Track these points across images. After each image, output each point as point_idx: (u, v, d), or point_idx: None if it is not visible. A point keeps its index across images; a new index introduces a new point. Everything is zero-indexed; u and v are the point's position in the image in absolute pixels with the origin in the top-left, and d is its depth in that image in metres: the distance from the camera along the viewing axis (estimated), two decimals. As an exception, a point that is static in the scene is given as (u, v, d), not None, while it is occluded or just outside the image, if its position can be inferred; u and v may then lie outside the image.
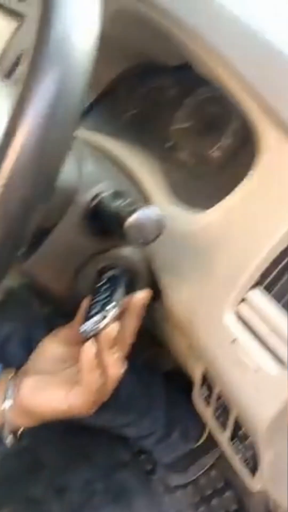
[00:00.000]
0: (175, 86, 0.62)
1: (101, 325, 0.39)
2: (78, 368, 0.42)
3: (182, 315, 0.43)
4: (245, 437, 0.41)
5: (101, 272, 0.46)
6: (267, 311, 0.35)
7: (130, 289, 0.46)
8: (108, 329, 0.40)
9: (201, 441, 0.82)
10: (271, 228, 0.36)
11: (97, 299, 0.43)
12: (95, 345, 0.40)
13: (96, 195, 0.41)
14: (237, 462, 0.43)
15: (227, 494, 0.82)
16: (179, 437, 0.79)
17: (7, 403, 0.45)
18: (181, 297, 0.42)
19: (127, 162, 0.51)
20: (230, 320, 0.37)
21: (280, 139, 0.37)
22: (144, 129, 0.60)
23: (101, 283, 0.44)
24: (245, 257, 0.37)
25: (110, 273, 0.45)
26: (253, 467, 0.40)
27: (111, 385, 0.43)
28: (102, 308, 0.41)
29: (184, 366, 0.54)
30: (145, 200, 0.47)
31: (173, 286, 0.43)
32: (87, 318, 0.41)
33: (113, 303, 0.40)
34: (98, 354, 0.41)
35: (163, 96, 0.63)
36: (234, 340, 0.36)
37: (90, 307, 0.43)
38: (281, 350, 0.33)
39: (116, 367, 0.42)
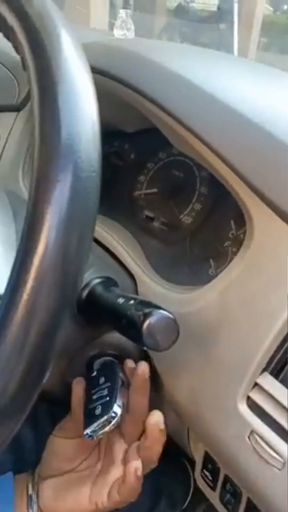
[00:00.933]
0: (133, 151, 0.61)
1: (107, 429, 0.36)
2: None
3: (184, 403, 0.40)
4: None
5: (93, 360, 0.43)
6: (281, 397, 0.34)
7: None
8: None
9: (186, 503, 0.79)
10: (271, 309, 0.35)
11: (95, 392, 0.40)
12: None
13: (87, 284, 0.39)
14: None
15: None
16: (166, 505, 0.75)
17: None
18: (182, 385, 0.40)
19: (105, 239, 0.48)
20: (244, 410, 0.35)
21: (271, 217, 0.37)
22: (109, 198, 0.59)
23: (95, 373, 0.42)
24: (248, 342, 0.36)
25: (101, 361, 0.43)
26: None
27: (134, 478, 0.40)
28: (104, 406, 0.38)
29: (178, 442, 0.52)
30: (130, 279, 0.45)
31: (172, 374, 0.41)
32: (89, 415, 0.38)
33: (117, 403, 0.37)
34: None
35: (122, 161, 0.62)
36: (251, 433, 0.35)
37: (89, 401, 0.40)
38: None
39: (133, 459, 0.40)
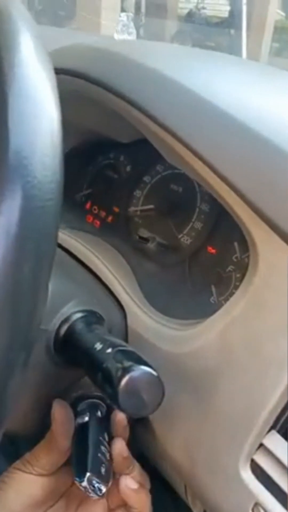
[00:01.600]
0: (129, 163, 0.56)
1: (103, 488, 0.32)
2: None
3: (179, 460, 0.35)
4: None
5: (77, 402, 0.37)
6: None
7: (109, 418, 0.38)
8: None
9: None
10: (280, 354, 0.30)
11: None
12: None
13: (66, 319, 0.34)
14: None
15: None
16: None
17: None
18: (176, 439, 0.35)
19: (92, 263, 0.43)
20: (247, 477, 0.29)
21: (277, 245, 0.31)
22: (101, 215, 0.54)
23: (80, 419, 0.36)
24: (253, 393, 0.30)
25: (83, 406, 0.38)
26: None
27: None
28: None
29: (176, 490, 0.46)
30: (119, 310, 0.40)
31: (165, 423, 0.36)
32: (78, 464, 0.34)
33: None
34: None
35: (117, 173, 0.56)
36: (255, 505, 0.29)
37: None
38: None
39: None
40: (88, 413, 0.37)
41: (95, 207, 0.57)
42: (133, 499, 0.35)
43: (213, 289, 0.43)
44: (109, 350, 0.28)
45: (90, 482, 0.31)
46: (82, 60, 0.41)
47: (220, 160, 0.33)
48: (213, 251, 0.45)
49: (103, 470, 0.32)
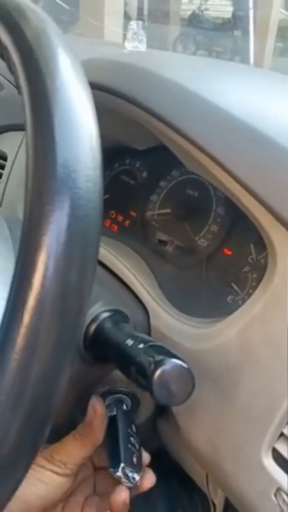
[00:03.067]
0: (145, 169, 0.58)
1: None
2: None
3: (202, 450, 0.37)
4: None
5: (103, 397, 0.40)
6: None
7: (134, 411, 0.41)
8: None
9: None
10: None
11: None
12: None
13: (95, 318, 0.36)
14: None
15: None
16: None
17: None
18: (200, 430, 0.37)
19: (115, 266, 0.45)
20: (269, 464, 0.31)
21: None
22: (120, 219, 0.56)
23: (108, 413, 0.38)
24: (273, 386, 0.32)
25: (109, 400, 0.40)
26: None
27: None
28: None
29: (197, 482, 0.48)
30: (142, 310, 0.42)
31: (189, 417, 0.38)
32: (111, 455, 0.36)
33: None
34: None
35: (134, 179, 0.59)
36: (277, 490, 0.31)
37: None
38: None
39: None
40: (115, 407, 0.39)
41: (113, 212, 0.59)
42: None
43: (230, 289, 0.45)
44: (141, 346, 0.30)
45: (124, 472, 0.34)
46: (104, 74, 0.43)
47: (239, 167, 0.35)
48: (229, 252, 0.47)
49: (134, 459, 0.34)
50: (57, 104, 0.24)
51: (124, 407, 0.39)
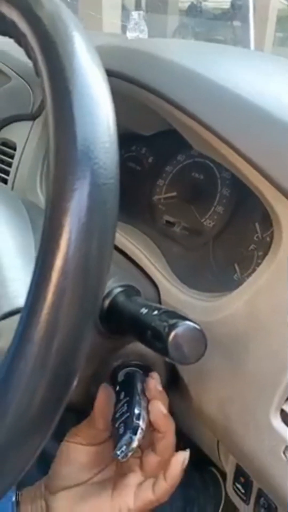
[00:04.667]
0: (151, 155, 0.60)
1: (134, 445, 0.35)
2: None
3: (213, 416, 0.39)
4: None
5: (117, 370, 0.42)
6: None
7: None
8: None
9: (219, 513, 0.77)
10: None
11: (117, 410, 0.38)
12: None
13: (109, 293, 0.38)
14: None
15: None
16: (197, 517, 0.74)
17: None
18: (211, 397, 0.39)
19: (125, 247, 0.47)
20: (277, 424, 0.33)
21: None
22: (127, 204, 0.58)
23: (117, 387, 0.40)
24: (279, 352, 0.34)
25: (125, 371, 0.42)
26: None
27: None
28: (126, 423, 0.37)
29: (208, 453, 0.50)
30: (153, 286, 0.44)
31: (200, 384, 0.40)
32: (115, 434, 0.37)
33: (135, 418, 0.36)
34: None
35: (140, 165, 0.60)
36: (286, 448, 0.33)
37: (113, 419, 0.39)
38: None
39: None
40: (121, 384, 0.41)
41: (121, 198, 0.61)
42: (161, 421, 0.39)
43: (236, 267, 0.47)
44: (155, 312, 0.32)
45: (122, 452, 0.35)
46: (113, 59, 0.44)
47: (245, 143, 0.37)
48: (235, 232, 0.49)
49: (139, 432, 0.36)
50: (75, 83, 0.25)
51: (138, 386, 0.40)
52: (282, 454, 0.33)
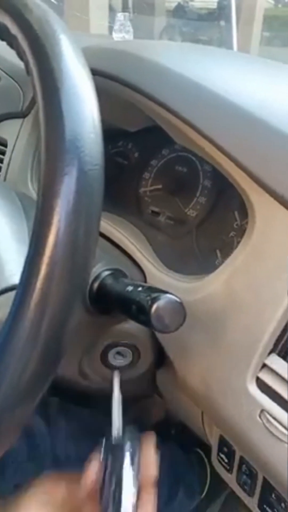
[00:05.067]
0: (137, 150, 0.63)
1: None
2: None
3: (196, 387, 0.42)
4: (278, 503, 0.40)
5: (107, 349, 0.44)
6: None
7: (135, 361, 0.46)
8: None
9: (204, 492, 0.81)
10: (275, 293, 0.37)
11: (106, 479, 0.37)
12: None
13: (97, 276, 0.41)
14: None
15: None
16: (184, 496, 0.77)
17: None
18: (193, 370, 0.42)
19: (113, 235, 0.50)
20: (253, 391, 0.36)
21: (272, 205, 0.38)
22: (115, 197, 0.61)
23: (106, 455, 0.39)
24: (254, 325, 0.37)
25: (116, 350, 0.44)
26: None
27: None
28: (115, 501, 0.35)
29: (193, 428, 0.53)
30: (139, 271, 0.47)
31: (183, 359, 0.43)
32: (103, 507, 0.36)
33: (126, 497, 0.35)
34: None
35: (127, 160, 0.63)
36: (262, 412, 0.36)
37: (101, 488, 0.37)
38: None
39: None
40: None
41: (108, 191, 0.64)
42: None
43: (218, 252, 0.50)
44: (140, 289, 0.35)
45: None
46: (99, 60, 0.47)
47: (223, 139, 0.40)
48: (216, 220, 0.52)
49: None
50: (63, 82, 0.28)
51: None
52: (258, 418, 0.36)
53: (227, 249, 0.49)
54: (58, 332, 0.28)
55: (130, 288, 0.36)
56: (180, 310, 0.33)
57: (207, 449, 0.51)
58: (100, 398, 0.46)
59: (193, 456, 0.79)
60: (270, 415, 0.35)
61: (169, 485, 0.76)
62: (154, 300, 0.32)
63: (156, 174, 0.59)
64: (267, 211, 0.38)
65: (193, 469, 0.78)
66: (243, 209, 0.49)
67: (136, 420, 0.81)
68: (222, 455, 0.46)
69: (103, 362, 0.45)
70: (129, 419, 0.82)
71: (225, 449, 0.45)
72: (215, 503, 0.82)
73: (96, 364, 0.44)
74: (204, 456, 0.78)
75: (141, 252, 0.49)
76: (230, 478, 0.46)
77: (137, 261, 0.48)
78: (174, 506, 0.77)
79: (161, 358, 0.47)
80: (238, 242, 0.49)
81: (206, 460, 0.78)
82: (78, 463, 0.64)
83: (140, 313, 0.33)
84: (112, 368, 0.45)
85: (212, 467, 0.80)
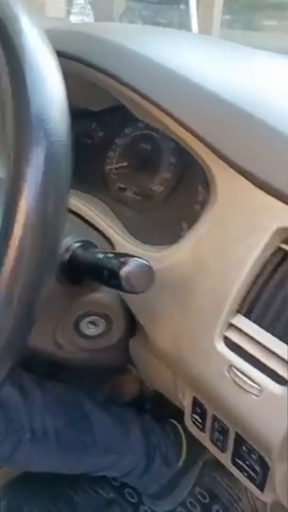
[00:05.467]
0: (101, 129, 0.64)
1: None
2: None
3: (167, 350, 0.44)
4: (249, 454, 0.43)
5: (79, 319, 0.46)
6: (253, 335, 0.38)
7: (108, 330, 0.47)
8: None
9: (181, 461, 0.84)
10: (239, 257, 0.39)
11: None
12: None
13: (68, 248, 0.42)
14: (243, 479, 0.45)
15: (215, 507, 0.85)
16: (160, 464, 0.80)
17: None
18: (164, 334, 0.44)
19: (82, 211, 0.51)
20: (221, 348, 0.39)
21: (231, 175, 0.40)
22: (82, 175, 0.62)
23: None
24: (220, 287, 0.39)
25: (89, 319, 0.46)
26: (261, 482, 0.43)
27: None
28: None
29: (167, 393, 0.56)
30: (109, 244, 0.49)
31: (154, 324, 0.45)
32: None
33: None
34: None
35: (91, 139, 0.64)
36: (230, 367, 0.38)
37: None
38: (279, 370, 0.35)
39: None
40: None
41: (75, 170, 0.65)
42: None
43: (184, 224, 0.52)
44: (110, 255, 0.37)
45: None
46: (63, 41, 0.48)
47: (183, 114, 0.42)
48: (182, 194, 0.54)
49: None
50: (26, 57, 0.30)
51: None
52: (226, 373, 0.39)
53: (193, 221, 0.51)
54: (30, 302, 0.29)
55: (100, 255, 0.37)
56: (148, 271, 0.35)
57: (181, 420, 0.54)
58: (75, 370, 0.47)
59: (168, 426, 0.82)
60: (238, 369, 0.38)
61: (146, 455, 0.78)
62: (123, 264, 0.34)
63: (121, 152, 0.61)
64: (228, 182, 0.41)
65: (168, 438, 0.81)
66: (206, 183, 0.51)
67: (112, 396, 0.83)
68: (196, 416, 0.49)
69: (77, 331, 0.46)
70: (105, 395, 0.84)
71: (198, 410, 0.48)
72: (192, 471, 0.85)
73: (70, 333, 0.46)
74: (178, 425, 0.81)
75: (109, 226, 0.50)
76: (203, 437, 0.49)
77: (106, 234, 0.49)
78: (152, 474, 0.80)
79: (133, 327, 0.49)
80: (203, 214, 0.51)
81: (181, 429, 0.81)
82: (55, 436, 0.66)
83: (112, 277, 0.35)
84: (86, 337, 0.46)
85: (187, 436, 0.84)
